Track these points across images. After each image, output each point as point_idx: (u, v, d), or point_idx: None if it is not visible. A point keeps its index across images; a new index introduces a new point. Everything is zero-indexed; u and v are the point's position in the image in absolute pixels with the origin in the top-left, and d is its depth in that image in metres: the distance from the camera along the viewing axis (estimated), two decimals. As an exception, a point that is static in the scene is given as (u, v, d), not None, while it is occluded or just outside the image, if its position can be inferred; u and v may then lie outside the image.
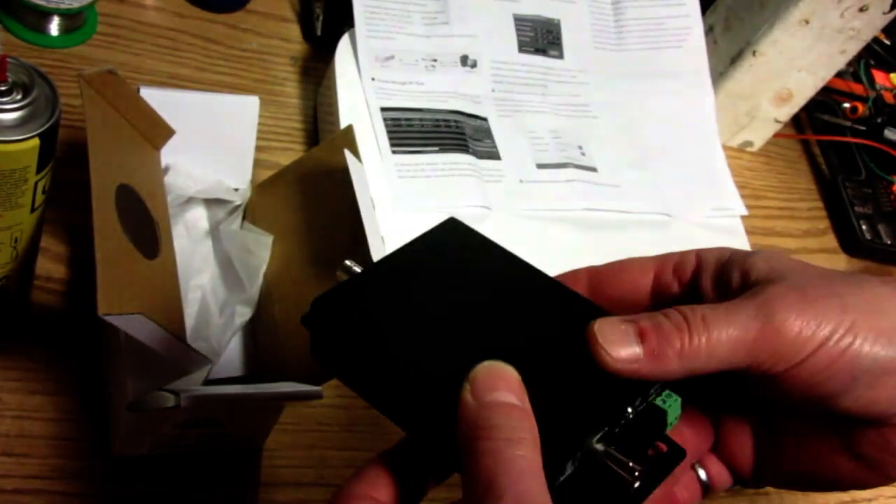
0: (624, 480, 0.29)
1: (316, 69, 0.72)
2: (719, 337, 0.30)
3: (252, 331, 0.53)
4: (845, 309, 0.31)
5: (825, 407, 0.32)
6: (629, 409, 0.31)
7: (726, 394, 0.37)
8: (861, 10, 0.75)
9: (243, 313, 0.53)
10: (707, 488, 0.38)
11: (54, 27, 0.63)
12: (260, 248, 0.54)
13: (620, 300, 0.35)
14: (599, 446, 0.30)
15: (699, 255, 0.35)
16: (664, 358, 0.30)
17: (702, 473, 0.37)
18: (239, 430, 0.48)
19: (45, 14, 0.62)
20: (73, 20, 0.64)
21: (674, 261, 0.35)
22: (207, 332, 0.52)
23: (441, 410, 0.29)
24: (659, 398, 0.32)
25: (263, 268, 0.54)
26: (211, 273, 0.54)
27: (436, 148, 0.65)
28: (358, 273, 0.34)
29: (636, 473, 0.29)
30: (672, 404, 0.32)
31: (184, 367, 0.45)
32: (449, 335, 0.32)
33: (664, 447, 0.33)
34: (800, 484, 0.37)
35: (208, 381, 0.48)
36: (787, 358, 0.30)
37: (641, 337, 0.30)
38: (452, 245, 0.36)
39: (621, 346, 0.30)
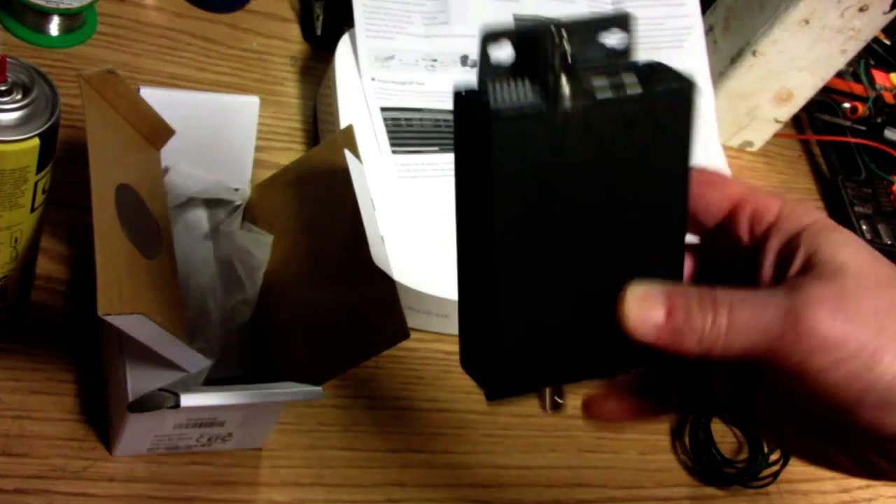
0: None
1: (316, 69, 0.72)
2: (739, 332, 0.31)
3: (252, 331, 0.53)
4: (880, 331, 0.30)
5: (837, 417, 0.31)
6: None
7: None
8: (861, 9, 0.75)
9: (243, 313, 0.53)
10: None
11: (54, 27, 0.63)
12: (259, 249, 0.54)
13: (695, 209, 0.36)
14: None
15: (781, 213, 0.34)
16: (683, 337, 0.32)
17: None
18: (239, 429, 0.48)
19: (45, 14, 0.62)
20: (72, 20, 0.64)
21: (754, 205, 0.35)
22: (207, 332, 0.52)
23: None
24: None
25: (263, 268, 0.54)
26: (211, 273, 0.54)
27: (436, 148, 0.65)
28: None
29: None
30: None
31: (184, 367, 0.45)
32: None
33: None
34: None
35: (208, 381, 0.48)
36: (805, 364, 0.30)
37: (668, 311, 0.32)
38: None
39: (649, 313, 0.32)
